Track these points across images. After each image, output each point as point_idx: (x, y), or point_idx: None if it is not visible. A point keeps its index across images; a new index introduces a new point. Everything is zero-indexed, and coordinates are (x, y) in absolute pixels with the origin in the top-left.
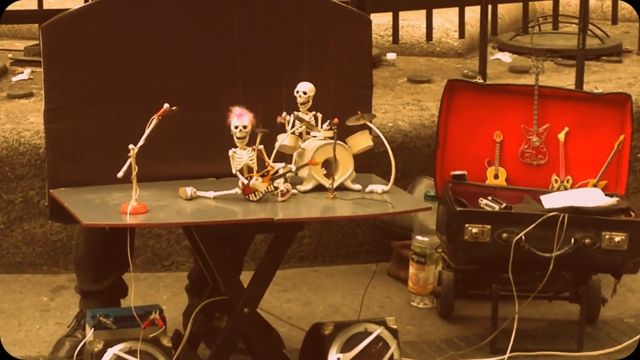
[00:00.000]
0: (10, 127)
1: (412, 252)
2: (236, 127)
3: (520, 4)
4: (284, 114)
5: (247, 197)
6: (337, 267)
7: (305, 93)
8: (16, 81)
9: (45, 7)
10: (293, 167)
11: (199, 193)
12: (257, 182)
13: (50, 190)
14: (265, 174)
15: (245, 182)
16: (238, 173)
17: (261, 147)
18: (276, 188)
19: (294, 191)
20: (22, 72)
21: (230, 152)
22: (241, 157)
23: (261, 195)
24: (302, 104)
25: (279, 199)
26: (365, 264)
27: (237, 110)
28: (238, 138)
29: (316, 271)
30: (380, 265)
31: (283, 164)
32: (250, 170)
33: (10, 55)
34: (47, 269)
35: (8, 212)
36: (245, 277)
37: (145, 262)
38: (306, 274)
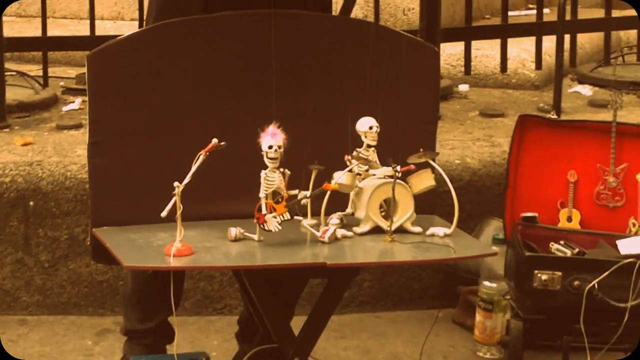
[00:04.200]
0: (56, 160)
1: (478, 299)
2: (270, 147)
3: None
4: (348, 156)
5: (261, 226)
6: (400, 313)
7: (378, 127)
8: (66, 111)
9: (100, 33)
10: (308, 193)
11: (247, 234)
12: (269, 218)
13: (93, 229)
14: (280, 200)
15: (263, 212)
16: (263, 199)
17: (288, 172)
18: (291, 217)
19: (347, 232)
20: (73, 102)
21: (263, 173)
22: (273, 180)
23: (277, 228)
24: (375, 139)
25: (325, 240)
26: (429, 309)
27: (270, 128)
28: (272, 159)
29: (377, 317)
30: (445, 312)
31: (297, 191)
32: (276, 194)
33: (62, 84)
34: (92, 311)
35: (53, 250)
36: (300, 323)
37: (196, 305)
38: (366, 320)
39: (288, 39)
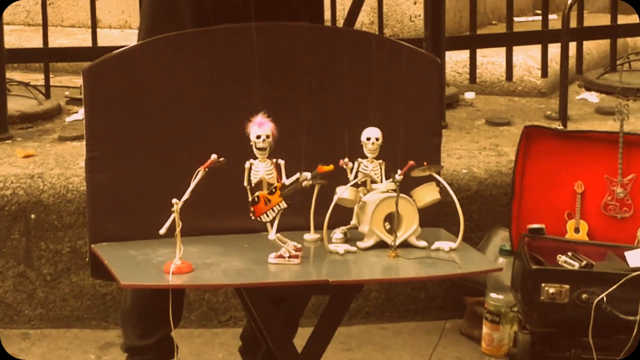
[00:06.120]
0: (58, 172)
1: (485, 311)
2: (259, 137)
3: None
4: (345, 159)
5: (258, 219)
6: (406, 324)
7: (377, 140)
8: (70, 122)
9: (107, 41)
10: (308, 174)
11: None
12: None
13: (91, 245)
14: (274, 190)
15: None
16: (248, 189)
17: (282, 162)
18: (288, 205)
19: (350, 247)
20: (76, 112)
21: (247, 163)
22: (258, 170)
23: (273, 215)
24: (372, 151)
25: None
26: (436, 320)
27: (258, 118)
28: (260, 149)
29: (383, 328)
30: (453, 323)
31: (297, 175)
32: (269, 186)
33: (67, 93)
34: (96, 324)
35: (55, 262)
36: (306, 334)
37: (201, 317)
38: (372, 332)
39: (284, 52)
